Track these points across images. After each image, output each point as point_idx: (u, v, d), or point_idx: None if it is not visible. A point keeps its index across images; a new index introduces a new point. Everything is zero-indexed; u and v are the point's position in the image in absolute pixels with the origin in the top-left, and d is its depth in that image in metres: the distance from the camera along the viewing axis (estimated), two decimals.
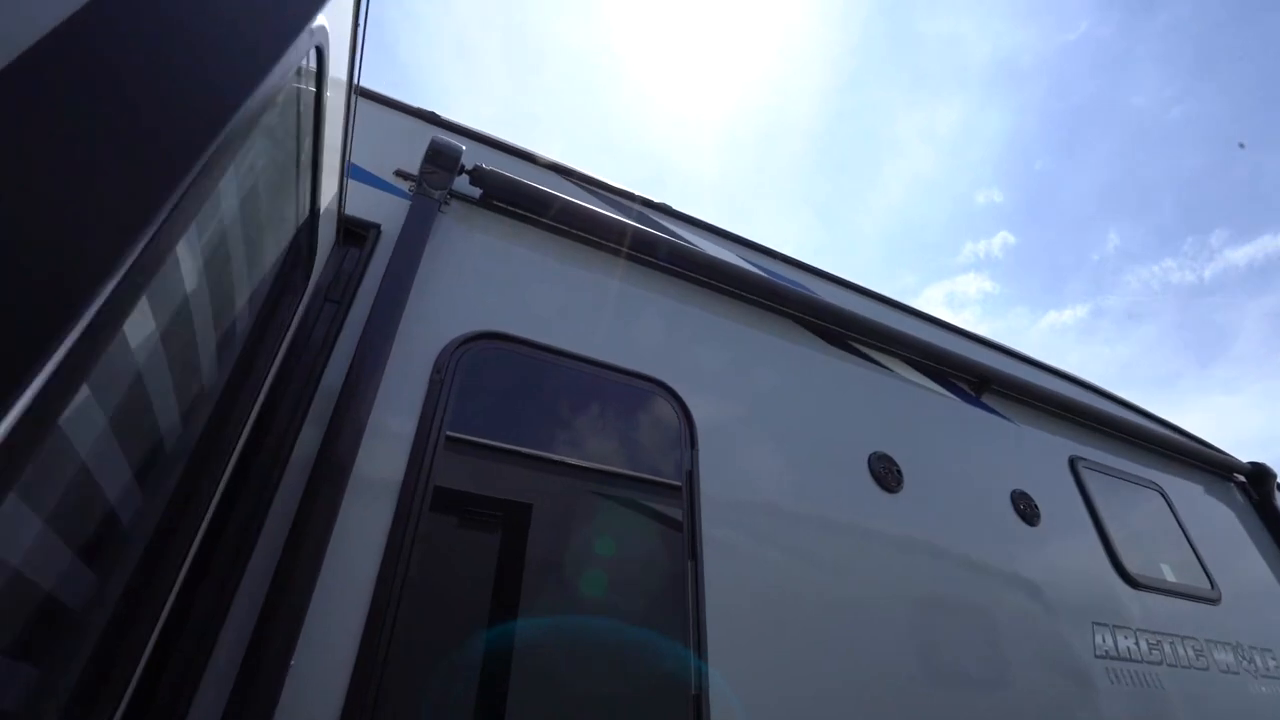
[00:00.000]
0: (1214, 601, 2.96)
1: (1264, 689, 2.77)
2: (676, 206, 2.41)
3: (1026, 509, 2.57)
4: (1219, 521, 3.56)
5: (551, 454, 1.58)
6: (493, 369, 1.64)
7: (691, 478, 1.73)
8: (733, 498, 1.80)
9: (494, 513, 1.45)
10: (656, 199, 2.40)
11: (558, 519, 1.52)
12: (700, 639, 1.49)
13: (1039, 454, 2.92)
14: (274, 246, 1.13)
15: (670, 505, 1.68)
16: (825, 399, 2.30)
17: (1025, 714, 2.00)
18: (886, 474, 2.20)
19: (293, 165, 1.06)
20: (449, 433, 1.46)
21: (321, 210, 1.33)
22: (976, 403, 2.84)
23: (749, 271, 2.32)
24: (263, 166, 0.91)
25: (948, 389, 2.76)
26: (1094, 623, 2.41)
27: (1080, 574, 2.58)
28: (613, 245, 2.09)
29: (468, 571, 1.35)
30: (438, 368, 1.54)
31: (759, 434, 2.03)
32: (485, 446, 1.51)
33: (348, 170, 1.50)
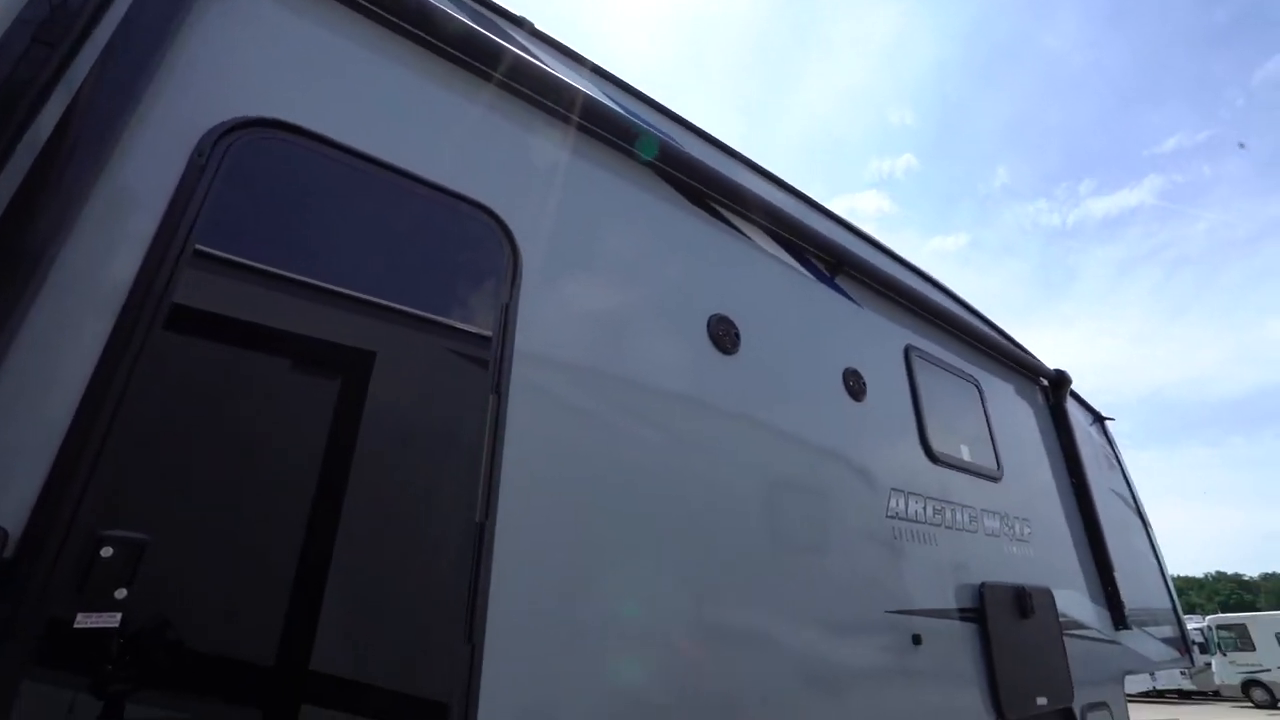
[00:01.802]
0: (995, 480, 3.39)
1: (1015, 550, 3.26)
2: (538, 24, 2.13)
3: (855, 385, 2.73)
4: (1018, 415, 4.02)
5: (338, 284, 1.39)
6: (272, 168, 1.39)
7: (508, 312, 1.64)
8: (553, 339, 1.74)
9: (260, 346, 1.27)
10: (516, 10, 2.10)
11: (341, 356, 1.37)
12: (493, 475, 1.46)
13: (878, 339, 3.08)
14: None
15: (477, 347, 1.57)
16: (673, 256, 2.24)
17: (817, 563, 2.21)
18: (724, 336, 2.22)
19: None
20: (201, 246, 1.22)
21: None
22: (829, 283, 2.91)
23: (609, 108, 2.14)
24: None
25: (804, 266, 2.80)
26: (891, 488, 2.67)
27: (889, 447, 2.82)
28: (452, 52, 1.82)
29: (217, 406, 1.19)
30: (199, 154, 1.29)
31: (594, 280, 1.95)
32: (252, 268, 1.29)
33: None
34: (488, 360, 1.56)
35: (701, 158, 2.41)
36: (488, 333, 1.59)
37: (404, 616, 1.27)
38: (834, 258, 2.93)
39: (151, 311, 1.13)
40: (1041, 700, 2.84)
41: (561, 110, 2.02)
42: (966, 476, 3.17)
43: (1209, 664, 21.23)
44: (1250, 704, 20.15)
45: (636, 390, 1.89)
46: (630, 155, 2.20)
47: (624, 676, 1.56)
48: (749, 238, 2.59)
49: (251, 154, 1.36)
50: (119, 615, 0.97)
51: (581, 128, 2.07)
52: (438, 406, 1.47)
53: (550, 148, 2.00)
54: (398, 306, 1.47)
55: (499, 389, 1.54)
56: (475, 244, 1.70)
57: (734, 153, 2.71)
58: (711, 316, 2.22)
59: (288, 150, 1.42)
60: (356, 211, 1.49)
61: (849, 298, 2.99)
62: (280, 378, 1.28)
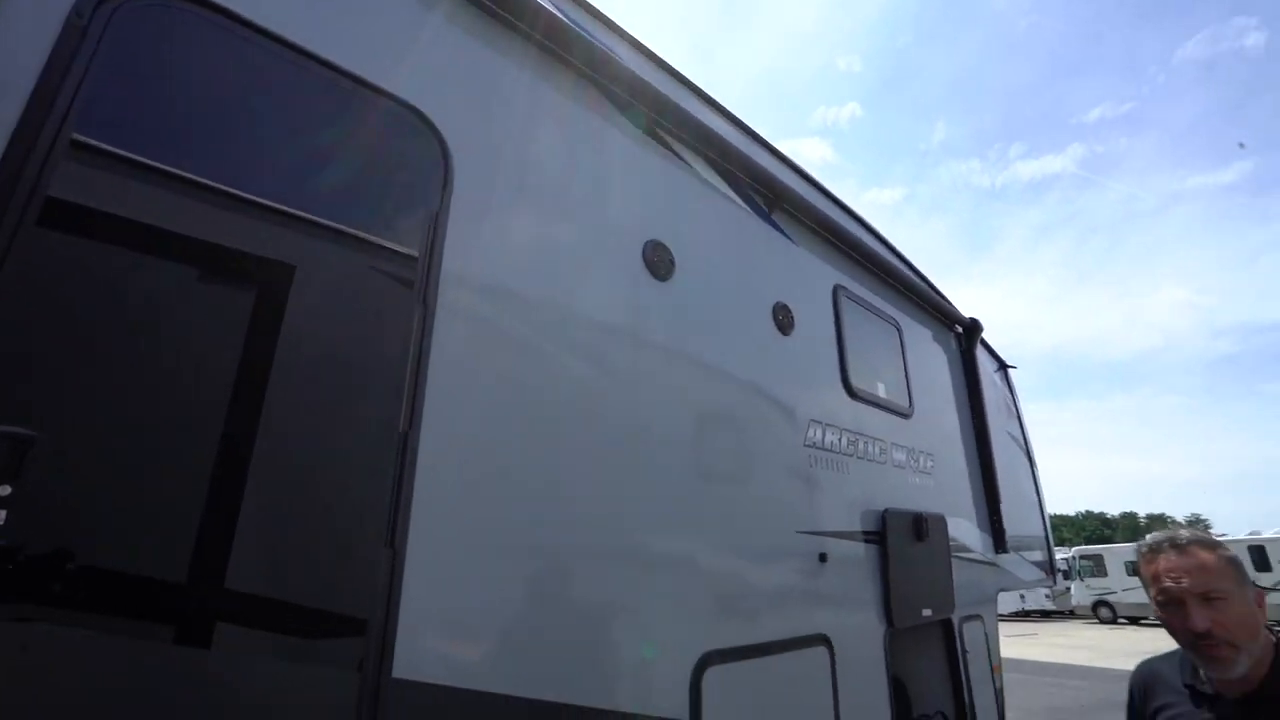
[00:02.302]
0: (906, 416, 3.61)
1: (917, 480, 3.52)
2: None
3: (784, 320, 2.80)
4: (932, 358, 4.26)
5: (250, 181, 1.27)
6: (172, 45, 1.23)
7: (437, 221, 1.57)
8: (484, 251, 1.68)
9: (158, 252, 1.15)
10: None
11: (252, 258, 1.28)
12: (418, 387, 1.42)
13: (809, 276, 3.16)
14: None
15: (404, 255, 1.49)
16: (613, 176, 2.19)
17: (738, 484, 2.31)
18: (659, 262, 2.21)
19: None
20: (79, 136, 1.08)
21: None
22: (766, 217, 2.93)
23: (554, 16, 2.01)
24: None
25: (742, 198, 2.80)
26: (811, 419, 2.80)
27: (812, 381, 2.94)
28: None
29: (109, 313, 1.09)
30: (78, 13, 1.12)
31: (530, 194, 1.88)
32: (144, 165, 1.15)
33: None
34: (414, 270, 1.49)
35: (648, 79, 2.33)
36: (415, 242, 1.52)
37: (322, 523, 1.26)
38: (772, 193, 2.94)
39: (17, 215, 0.99)
40: (927, 612, 3.15)
41: (503, 14, 1.88)
42: (880, 412, 3.36)
43: (1069, 588, 24.21)
44: (1096, 620, 23.37)
45: (568, 308, 1.88)
46: (574, 69, 2.10)
47: (544, 590, 1.61)
48: (690, 165, 2.55)
49: (145, 24, 1.20)
50: (2, 513, 0.91)
51: (524, 35, 1.94)
52: (361, 315, 1.41)
53: (488, 53, 1.87)
54: (317, 209, 1.37)
55: (425, 300, 1.49)
56: (404, 147, 1.60)
57: (681, 77, 2.63)
58: (648, 242, 2.20)
59: (191, 24, 1.26)
60: (271, 103, 1.37)
61: (784, 234, 3.03)
62: (184, 285, 1.18)
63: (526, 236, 1.84)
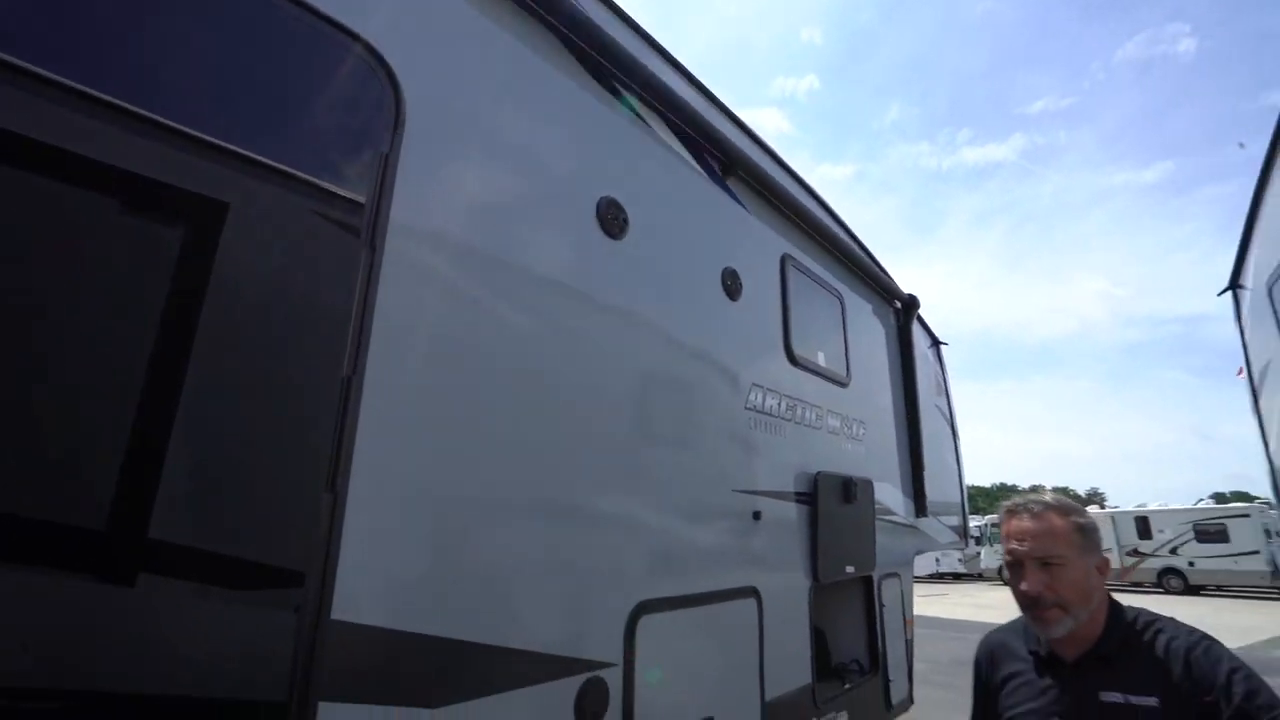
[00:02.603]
0: (844, 385, 3.76)
1: (849, 446, 3.69)
2: None
3: (732, 285, 2.85)
4: (872, 331, 4.42)
5: (172, 117, 1.19)
6: None
7: (387, 163, 1.52)
8: (435, 196, 1.64)
9: (73, 182, 1.07)
10: None
11: (190, 193, 1.21)
12: (363, 332, 1.40)
13: (758, 244, 3.21)
14: None
15: (352, 197, 1.44)
16: (570, 128, 2.15)
17: (680, 443, 2.38)
18: (612, 220, 2.21)
19: None
20: None
21: None
22: (720, 183, 2.95)
23: None
24: None
25: (698, 162, 2.80)
26: (753, 384, 2.88)
27: (755, 346, 3.02)
28: None
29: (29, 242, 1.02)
30: None
31: (484, 142, 1.84)
32: (64, 86, 1.06)
33: None
34: (361, 212, 1.45)
35: (609, 32, 2.28)
36: (363, 184, 1.47)
37: (263, 465, 1.23)
38: (728, 159, 2.96)
39: None
40: (850, 569, 3.34)
41: None
42: (819, 380, 3.48)
43: (979, 553, 25.95)
44: (1002, 582, 25.20)
45: (519, 260, 1.86)
46: (536, 17, 2.04)
47: (485, 537, 1.63)
48: (649, 124, 2.53)
49: None
50: None
51: None
52: (303, 257, 1.36)
53: None
54: (259, 144, 1.30)
55: (374, 243, 1.45)
56: (354, 83, 1.52)
57: (643, 33, 2.58)
58: (602, 199, 2.19)
59: None
60: (207, 26, 1.28)
61: (737, 200, 3.06)
62: (109, 219, 1.11)
63: (479, 185, 1.80)
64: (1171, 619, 1.37)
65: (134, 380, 1.08)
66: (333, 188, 1.42)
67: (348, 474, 1.31)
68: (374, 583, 1.35)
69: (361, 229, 1.44)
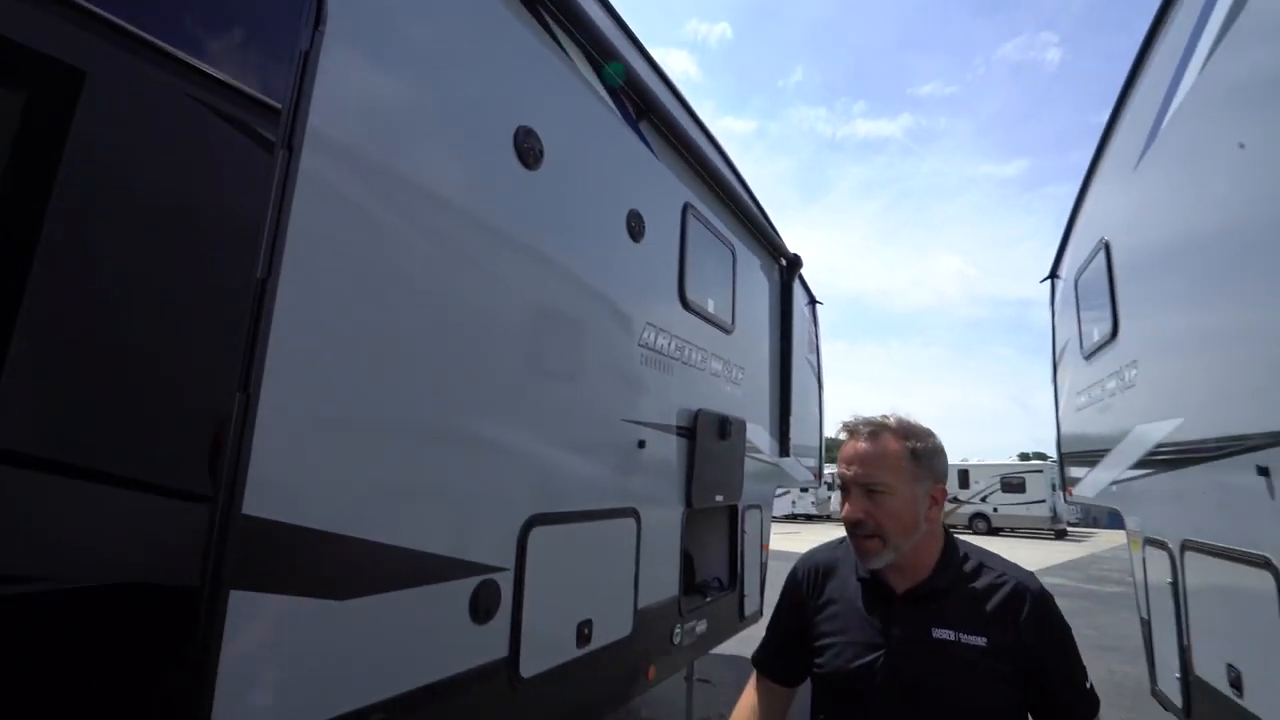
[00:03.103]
0: (728, 332, 4.04)
1: (728, 389, 4.01)
2: None
3: (636, 227, 2.97)
4: (757, 283, 4.74)
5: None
6: None
7: (307, 62, 1.47)
8: (355, 102, 1.61)
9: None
10: None
11: (68, 72, 1.14)
12: (279, 235, 1.38)
13: (663, 190, 3.33)
14: None
15: (266, 99, 1.39)
16: (494, 52, 2.14)
17: (577, 372, 2.51)
18: (529, 151, 2.24)
19: None
20: None
21: None
22: (633, 125, 3.02)
23: None
24: None
25: (614, 102, 2.85)
26: (647, 322, 3.06)
27: (652, 288, 3.18)
28: None
29: None
30: None
31: (407, 53, 1.80)
32: None
33: None
34: (280, 110, 1.41)
35: None
36: (280, 80, 1.42)
37: (176, 363, 1.22)
38: (644, 103, 3.03)
39: None
40: (719, 498, 3.70)
41: None
42: (707, 325, 3.73)
43: (830, 497, 28.76)
44: None
45: (433, 177, 1.86)
46: None
47: (389, 445, 1.70)
48: (570, 59, 2.54)
49: None
50: None
51: None
52: (220, 156, 1.32)
53: None
54: (164, 31, 1.23)
55: (290, 144, 1.42)
56: None
57: None
58: (520, 127, 2.21)
59: None
60: None
61: (648, 145, 3.15)
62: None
63: (398, 97, 1.77)
64: (1003, 558, 1.33)
65: (41, 270, 1.04)
66: (246, 80, 1.36)
67: (260, 376, 1.33)
68: (285, 481, 1.40)
69: (279, 128, 1.41)
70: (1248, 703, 2.20)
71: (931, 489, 1.29)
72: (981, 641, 1.19)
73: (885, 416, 1.33)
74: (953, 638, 1.21)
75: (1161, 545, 3.03)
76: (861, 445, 1.29)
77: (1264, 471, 1.96)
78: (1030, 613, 1.21)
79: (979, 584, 1.27)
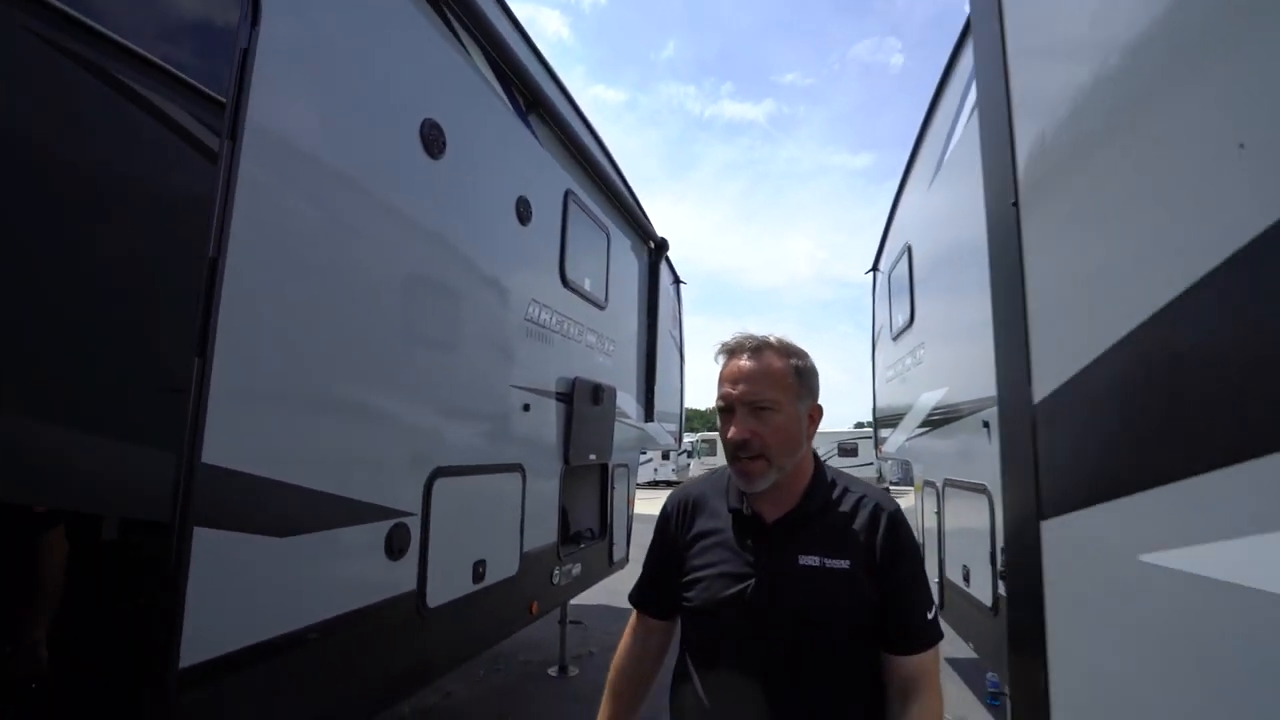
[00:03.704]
0: (602, 308, 4.46)
1: (601, 359, 4.45)
2: None
3: (524, 211, 3.27)
4: (629, 265, 5.18)
5: None
6: None
7: (246, 58, 1.64)
8: (289, 96, 1.79)
9: None
10: None
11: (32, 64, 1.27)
12: (225, 219, 1.57)
13: (548, 177, 3.64)
14: None
15: (210, 88, 1.56)
16: (406, 49, 2.34)
17: (473, 342, 2.79)
18: (434, 141, 2.47)
19: None
20: None
21: None
22: (523, 117, 3.29)
23: None
24: None
25: (507, 95, 3.11)
26: (532, 299, 3.38)
27: (537, 267, 3.50)
28: None
29: None
30: None
31: (333, 51, 1.98)
32: None
33: None
34: (224, 102, 1.58)
35: None
36: (222, 74, 1.58)
37: (138, 331, 1.40)
38: (532, 96, 3.30)
39: None
40: (592, 456, 4.14)
41: None
42: (584, 302, 4.12)
43: (689, 464, 30.63)
44: None
45: (355, 166, 2.07)
46: None
47: (323, 403, 1.92)
48: (470, 55, 2.77)
49: None
50: None
51: None
52: (169, 152, 1.48)
53: None
54: (129, 31, 1.37)
55: (234, 134, 1.60)
56: None
57: None
58: (426, 120, 2.44)
59: None
60: None
61: (535, 135, 3.44)
62: None
63: (328, 89, 1.96)
64: (865, 481, 1.34)
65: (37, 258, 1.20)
66: (192, 73, 1.52)
67: (214, 340, 1.53)
68: (237, 433, 1.61)
69: (224, 118, 1.58)
70: (973, 590, 3.05)
71: (810, 408, 1.28)
72: (845, 564, 1.19)
73: (765, 336, 1.29)
74: (818, 563, 1.20)
75: (933, 485, 3.94)
76: (746, 363, 1.25)
77: (986, 425, 2.74)
78: (886, 533, 1.21)
79: (843, 508, 1.26)
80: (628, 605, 1.48)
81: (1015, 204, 1.07)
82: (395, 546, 2.22)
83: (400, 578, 2.26)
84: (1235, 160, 0.64)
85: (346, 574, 2.01)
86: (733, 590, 1.23)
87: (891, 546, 1.21)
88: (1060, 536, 0.92)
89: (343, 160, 2.01)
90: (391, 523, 2.21)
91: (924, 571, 1.26)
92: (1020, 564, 1.05)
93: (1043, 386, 0.97)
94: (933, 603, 1.25)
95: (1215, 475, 0.63)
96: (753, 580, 1.22)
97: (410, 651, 2.33)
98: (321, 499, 1.89)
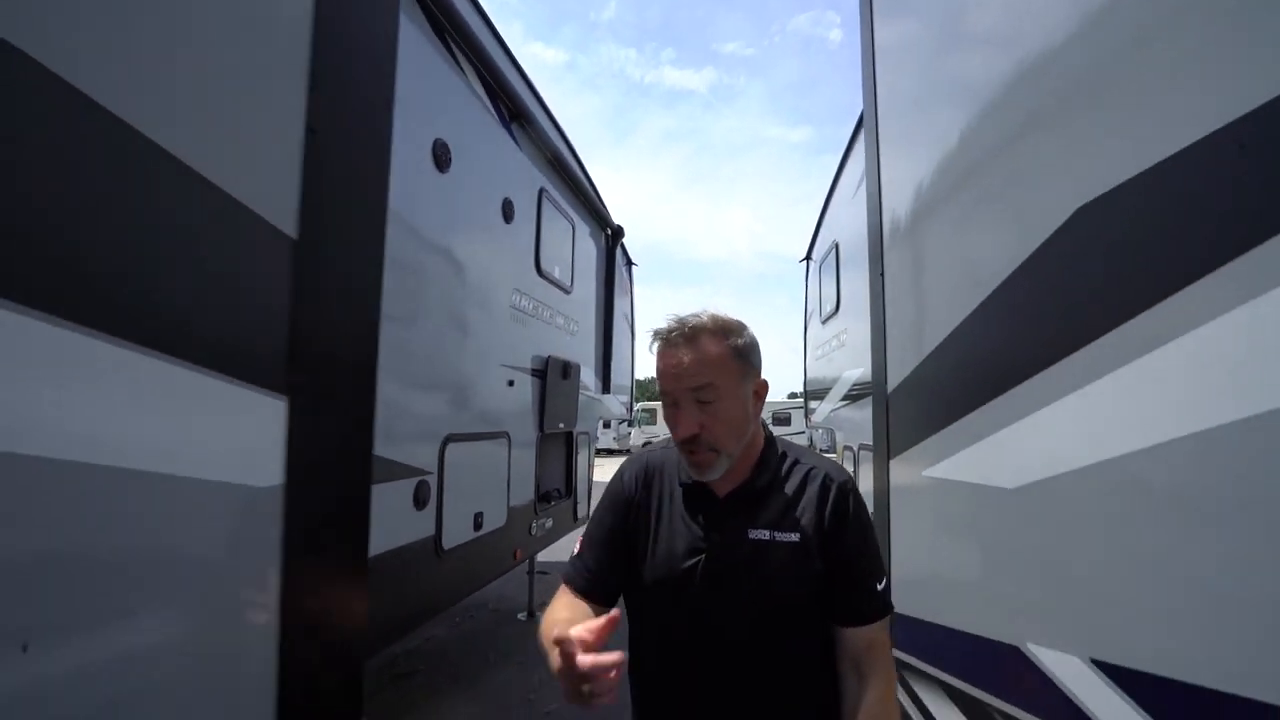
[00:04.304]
0: (568, 293, 4.96)
1: (567, 339, 4.96)
2: None
3: (508, 211, 3.73)
4: (590, 252, 5.68)
5: None
6: None
7: None
8: None
9: None
10: None
11: None
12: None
13: (526, 178, 4.09)
14: None
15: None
16: (420, 78, 2.76)
17: (470, 328, 3.26)
18: (442, 157, 2.91)
19: None
20: None
21: None
22: (507, 126, 3.73)
23: None
24: None
25: (494, 108, 3.54)
26: (514, 288, 3.86)
27: (518, 260, 3.98)
28: None
29: None
30: None
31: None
32: None
33: None
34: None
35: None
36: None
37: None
38: (514, 107, 3.74)
39: None
40: (560, 425, 4.69)
41: None
42: (554, 288, 4.61)
43: (630, 433, 31.56)
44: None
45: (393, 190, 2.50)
46: None
47: (388, 398, 2.39)
48: (466, 75, 3.19)
49: None
50: None
51: None
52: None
53: None
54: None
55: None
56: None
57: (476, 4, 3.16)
58: (437, 139, 2.87)
59: None
60: None
61: (516, 142, 3.88)
62: None
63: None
64: (815, 453, 1.34)
65: None
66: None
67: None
68: None
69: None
70: None
71: (755, 385, 1.22)
72: (794, 538, 1.17)
73: (696, 315, 1.19)
74: (768, 537, 1.18)
75: (850, 449, 4.69)
76: (683, 354, 1.16)
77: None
78: (835, 504, 1.19)
79: (793, 480, 1.25)
80: None
81: (881, 273, 1.70)
82: (420, 499, 2.72)
83: (424, 525, 2.77)
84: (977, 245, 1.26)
85: (388, 519, 2.51)
86: (684, 566, 1.20)
87: (839, 516, 1.18)
88: (895, 467, 1.57)
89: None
90: (418, 479, 2.71)
91: (874, 542, 1.23)
92: (880, 485, 1.69)
93: (892, 382, 1.60)
94: (884, 574, 1.22)
95: (951, 427, 1.26)
96: (703, 555, 1.20)
97: (433, 583, 2.86)
98: (378, 462, 2.37)
